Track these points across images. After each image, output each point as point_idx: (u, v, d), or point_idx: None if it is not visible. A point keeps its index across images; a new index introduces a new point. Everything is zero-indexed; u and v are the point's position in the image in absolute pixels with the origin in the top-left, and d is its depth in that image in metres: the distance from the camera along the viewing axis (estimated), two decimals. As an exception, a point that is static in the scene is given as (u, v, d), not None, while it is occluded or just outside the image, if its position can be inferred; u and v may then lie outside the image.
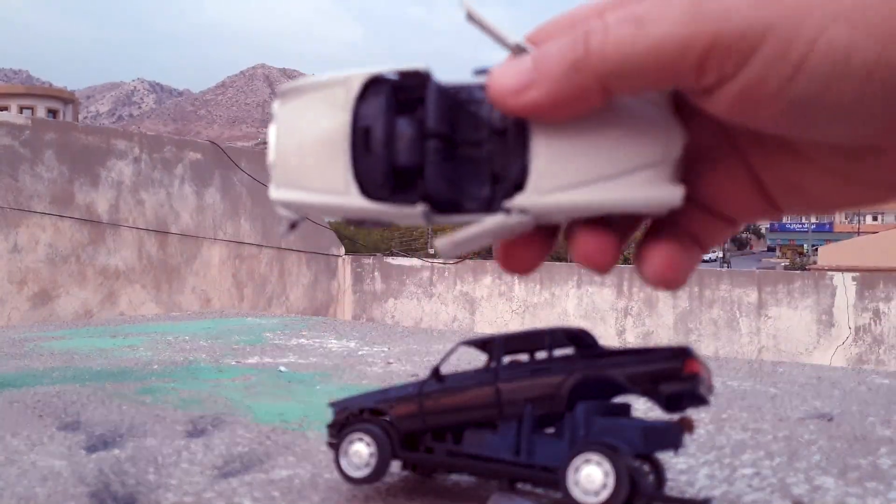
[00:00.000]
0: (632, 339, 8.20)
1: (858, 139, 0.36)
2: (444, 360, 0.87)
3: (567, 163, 0.43)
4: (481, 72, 0.44)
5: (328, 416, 0.89)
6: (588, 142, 0.42)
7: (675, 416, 0.79)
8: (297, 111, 0.47)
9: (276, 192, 0.45)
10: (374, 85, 0.46)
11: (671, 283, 0.41)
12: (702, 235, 0.43)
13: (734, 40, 0.34)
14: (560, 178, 0.42)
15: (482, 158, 0.45)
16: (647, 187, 0.41)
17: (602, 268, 0.42)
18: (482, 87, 0.43)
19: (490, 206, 0.43)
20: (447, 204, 0.44)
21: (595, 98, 0.38)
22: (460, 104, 0.45)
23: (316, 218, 0.48)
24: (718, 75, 0.35)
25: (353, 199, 0.43)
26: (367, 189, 0.43)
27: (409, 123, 0.45)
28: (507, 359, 0.88)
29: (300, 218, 0.45)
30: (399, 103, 0.45)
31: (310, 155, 0.45)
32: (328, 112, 0.46)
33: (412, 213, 0.43)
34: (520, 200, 0.41)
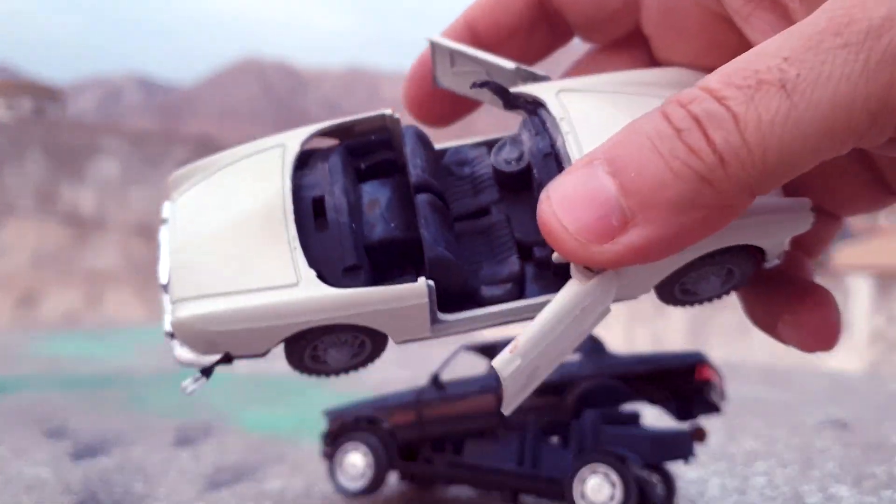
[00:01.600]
0: (641, 345, 8.20)
1: None
2: (444, 366, 0.84)
3: None
4: (484, 85, 0.34)
5: (322, 424, 0.86)
6: None
7: (686, 425, 0.77)
8: (204, 197, 0.34)
9: (183, 311, 0.32)
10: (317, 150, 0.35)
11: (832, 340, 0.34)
12: (809, 242, 0.37)
13: None
14: None
15: (493, 226, 0.35)
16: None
17: (833, 343, 0.34)
18: (475, 146, 0.34)
19: (522, 286, 0.33)
20: (458, 295, 0.33)
21: (732, 216, 0.24)
22: (445, 165, 0.35)
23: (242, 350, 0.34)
24: None
25: (310, 290, 0.31)
26: (327, 274, 0.31)
27: (380, 186, 0.34)
28: None
29: (213, 361, 0.32)
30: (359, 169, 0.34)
31: (230, 246, 0.32)
32: (255, 186, 0.32)
33: (411, 293, 0.31)
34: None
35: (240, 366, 1.49)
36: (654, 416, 0.90)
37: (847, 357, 6.27)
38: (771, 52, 0.23)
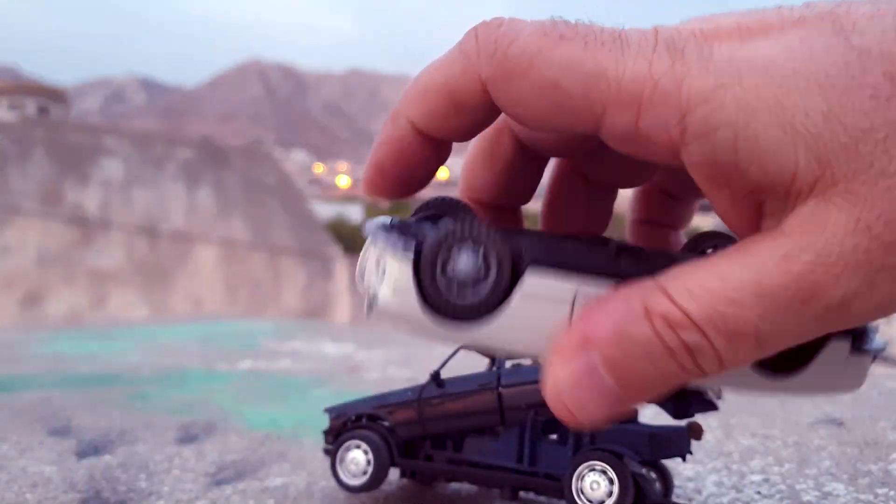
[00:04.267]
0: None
1: None
2: (444, 364, 0.85)
3: None
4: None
5: (324, 422, 0.87)
6: None
7: (683, 422, 0.77)
8: None
9: None
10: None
11: None
12: (670, 218, 0.43)
13: None
14: None
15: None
16: None
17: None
18: None
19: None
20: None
21: None
22: None
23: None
24: None
25: None
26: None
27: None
28: (509, 363, 0.86)
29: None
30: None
31: None
32: None
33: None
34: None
35: (241, 365, 1.49)
36: (651, 414, 0.91)
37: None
38: (746, 300, 0.27)
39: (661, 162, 0.29)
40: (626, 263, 0.31)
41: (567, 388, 0.28)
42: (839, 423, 1.08)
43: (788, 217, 0.27)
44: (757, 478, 0.86)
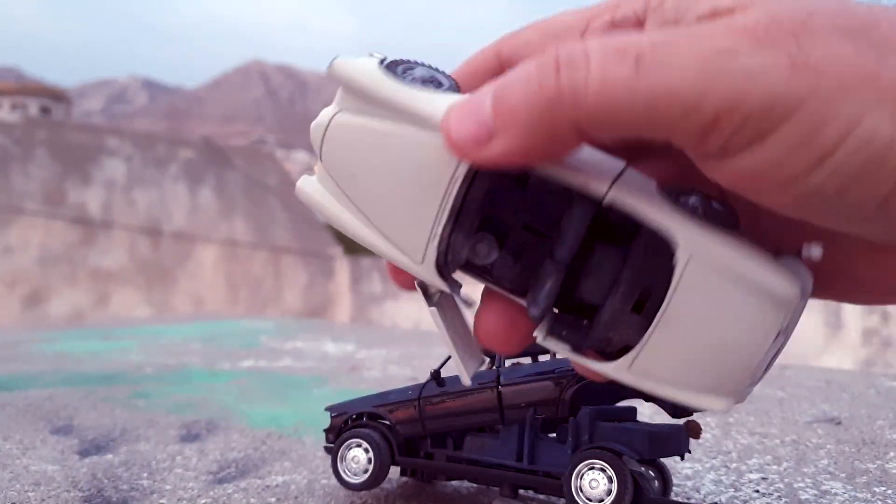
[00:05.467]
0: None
1: (887, 238, 0.31)
2: (444, 363, 0.85)
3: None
4: None
5: (325, 420, 0.87)
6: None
7: (682, 421, 0.78)
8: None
9: None
10: None
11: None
12: None
13: (755, 110, 0.27)
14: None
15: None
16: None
17: (507, 350, 0.38)
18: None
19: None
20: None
21: (570, 143, 0.31)
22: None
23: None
24: (725, 146, 0.29)
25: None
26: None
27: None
28: (508, 362, 0.87)
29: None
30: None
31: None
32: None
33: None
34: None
35: (243, 364, 1.50)
36: (650, 413, 0.91)
37: (841, 355, 6.24)
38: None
39: None
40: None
41: (453, 115, 0.32)
42: (837, 422, 1.09)
43: None
44: (755, 476, 0.86)
